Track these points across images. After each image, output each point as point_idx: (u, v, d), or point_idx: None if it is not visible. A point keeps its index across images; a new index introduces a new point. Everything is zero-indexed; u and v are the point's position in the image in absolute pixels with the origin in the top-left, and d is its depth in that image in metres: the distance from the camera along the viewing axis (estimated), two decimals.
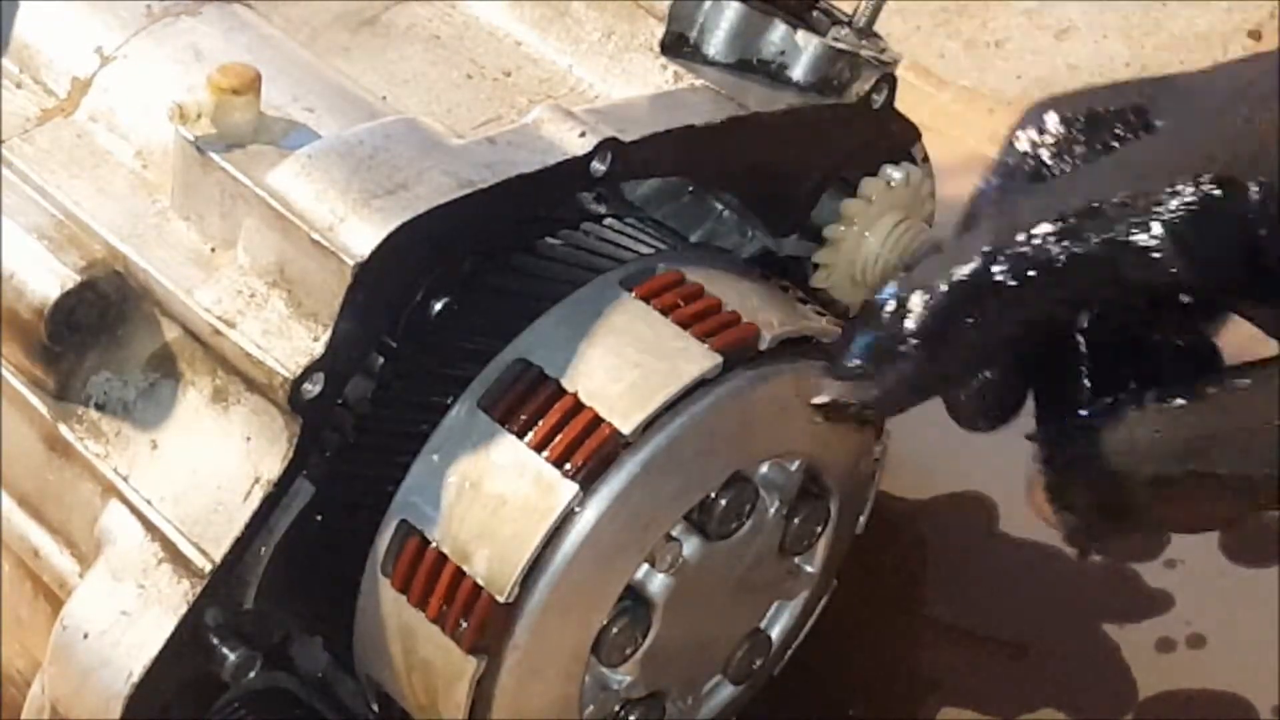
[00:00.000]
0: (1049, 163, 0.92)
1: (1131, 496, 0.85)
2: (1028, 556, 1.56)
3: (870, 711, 1.48)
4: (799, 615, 1.31)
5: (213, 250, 1.13)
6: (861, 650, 1.50)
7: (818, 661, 1.38)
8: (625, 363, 1.11)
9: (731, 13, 1.28)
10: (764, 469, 1.19)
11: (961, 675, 1.50)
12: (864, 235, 1.32)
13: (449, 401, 1.12)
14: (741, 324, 1.14)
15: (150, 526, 1.11)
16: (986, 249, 0.85)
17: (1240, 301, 0.87)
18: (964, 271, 0.85)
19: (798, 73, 1.29)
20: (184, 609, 1.09)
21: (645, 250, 1.19)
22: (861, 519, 1.32)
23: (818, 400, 0.91)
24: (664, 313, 1.13)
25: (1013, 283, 0.84)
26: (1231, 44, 1.99)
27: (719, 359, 1.11)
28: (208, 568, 1.09)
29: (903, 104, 1.34)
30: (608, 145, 1.14)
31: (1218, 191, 0.80)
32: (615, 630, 1.15)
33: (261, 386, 1.10)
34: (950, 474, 1.61)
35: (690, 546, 1.17)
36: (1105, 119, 0.91)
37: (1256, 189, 0.79)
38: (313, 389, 1.08)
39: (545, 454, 1.08)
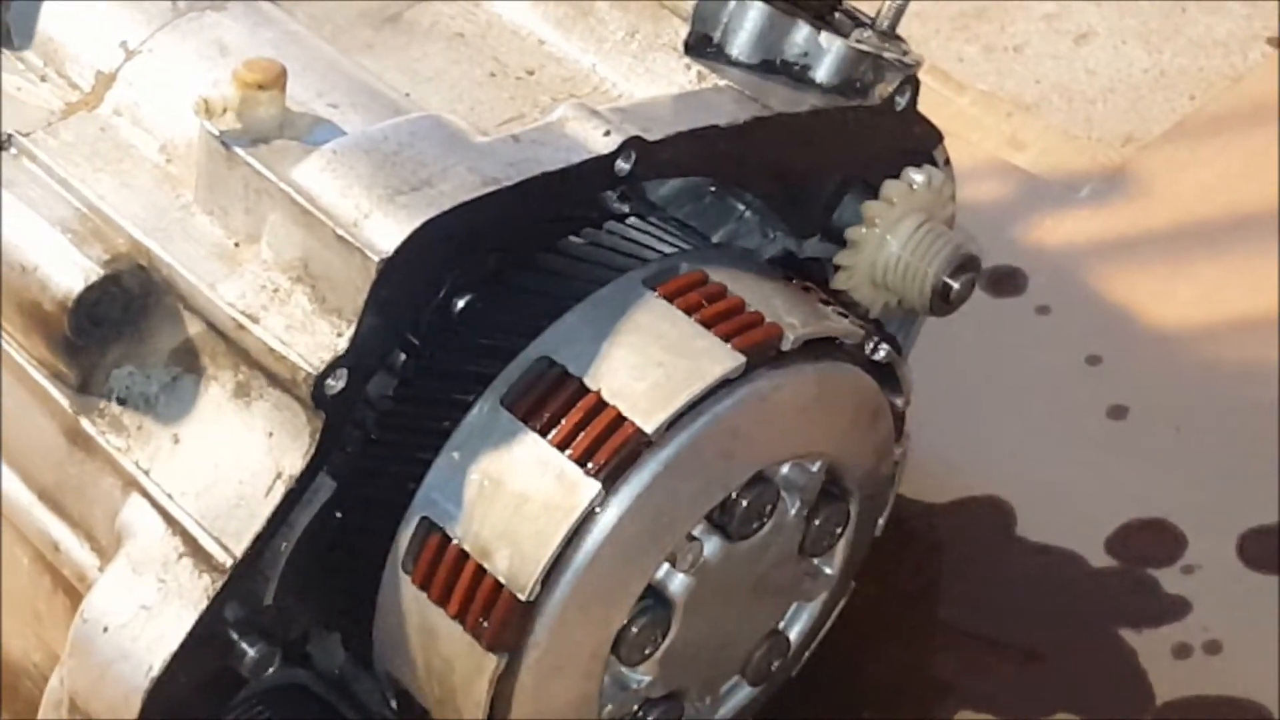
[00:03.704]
0: None
1: None
2: (1045, 561, 1.55)
3: (885, 714, 1.48)
4: (817, 617, 1.31)
5: (236, 245, 1.13)
6: (877, 653, 1.50)
7: (834, 663, 1.37)
8: (648, 362, 1.10)
9: (755, 14, 1.28)
10: (785, 469, 1.19)
11: (977, 679, 1.50)
12: (885, 237, 1.32)
13: (471, 399, 1.12)
14: (764, 324, 1.14)
15: (171, 521, 1.11)
16: None
17: None
18: None
19: (821, 74, 1.29)
20: (204, 604, 1.09)
21: (668, 250, 1.19)
22: (880, 521, 1.32)
23: None
24: (687, 312, 1.13)
25: None
26: (1251, 50, 1.99)
27: (742, 359, 1.11)
28: (229, 563, 1.09)
29: (921, 107, 1.34)
30: (632, 144, 1.14)
31: None
32: (635, 629, 1.15)
33: (284, 382, 1.10)
34: (968, 477, 1.61)
35: (711, 546, 1.17)
36: None
37: None
38: (336, 385, 1.08)
39: (568, 452, 1.08)
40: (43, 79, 1.25)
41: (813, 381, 1.17)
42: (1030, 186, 1.87)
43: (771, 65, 1.29)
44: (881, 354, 1.22)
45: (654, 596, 1.16)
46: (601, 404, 1.09)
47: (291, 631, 1.18)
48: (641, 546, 1.12)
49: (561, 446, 1.09)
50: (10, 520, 1.21)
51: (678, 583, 1.16)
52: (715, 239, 1.31)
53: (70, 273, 1.12)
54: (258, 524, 1.09)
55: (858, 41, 1.29)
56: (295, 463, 1.10)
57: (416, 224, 1.07)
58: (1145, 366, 1.70)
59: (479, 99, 1.24)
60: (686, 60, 1.26)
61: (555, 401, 1.10)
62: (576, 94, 1.24)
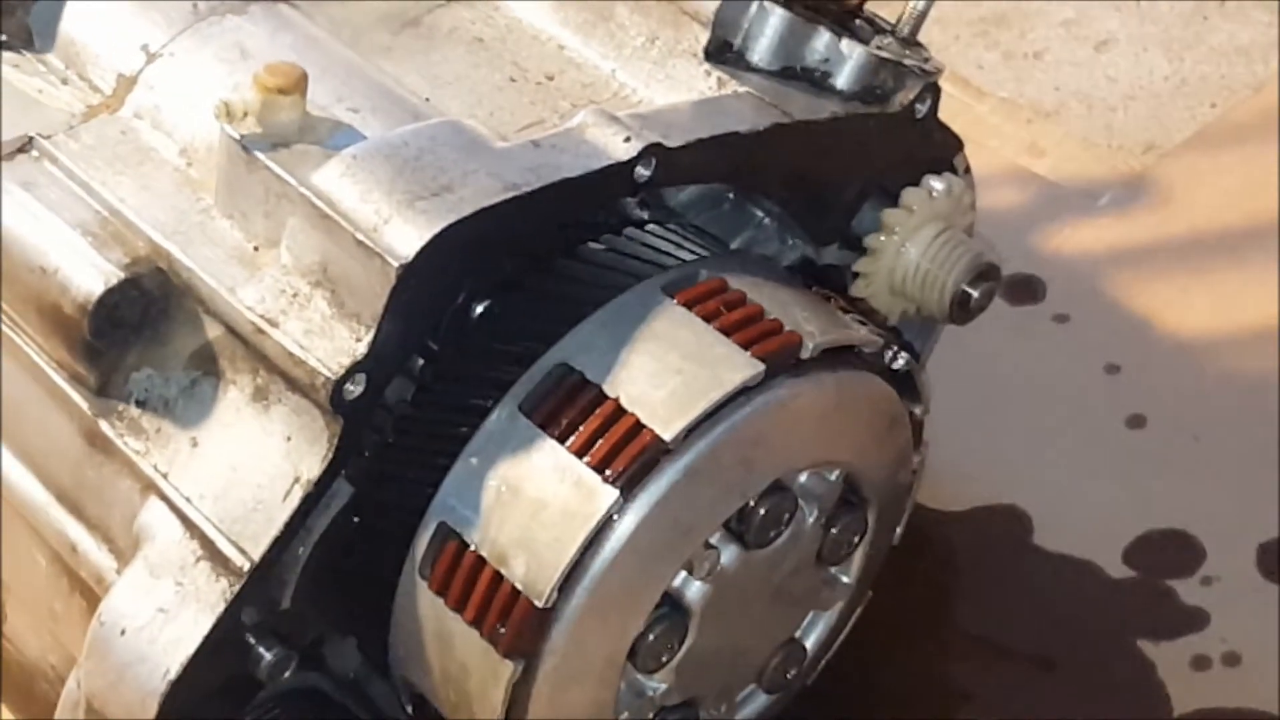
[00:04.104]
0: None
1: None
2: (1062, 570, 1.55)
3: None
4: (834, 625, 1.31)
5: (256, 249, 1.13)
6: (893, 661, 1.50)
7: (850, 671, 1.37)
8: (667, 369, 1.10)
9: (776, 20, 1.28)
10: (803, 478, 1.19)
11: (992, 689, 1.50)
12: (904, 245, 1.32)
13: (489, 405, 1.12)
14: (783, 332, 1.14)
15: (189, 524, 1.11)
16: None
17: None
18: None
19: (841, 81, 1.29)
20: (221, 607, 1.09)
21: (688, 256, 1.19)
22: (898, 530, 1.32)
23: None
24: (706, 320, 1.13)
25: None
26: (1271, 58, 1.98)
27: (761, 367, 1.11)
28: (246, 566, 1.09)
29: (941, 114, 1.34)
30: (652, 151, 1.14)
31: None
32: (652, 637, 1.15)
33: (303, 386, 1.10)
34: (986, 486, 1.60)
35: (728, 554, 1.16)
36: None
37: None
38: (354, 389, 1.08)
39: (586, 459, 1.08)
40: (64, 81, 1.25)
41: (831, 390, 1.17)
42: (1050, 194, 1.86)
43: (792, 72, 1.29)
44: (900, 362, 1.22)
45: (671, 604, 1.16)
46: (620, 411, 1.09)
47: (308, 635, 1.18)
48: (659, 554, 1.11)
49: (579, 453, 1.09)
50: (29, 521, 1.22)
51: (695, 590, 1.16)
52: (734, 246, 1.31)
53: (90, 275, 1.12)
54: (275, 528, 1.09)
55: (878, 48, 1.29)
56: (313, 467, 1.10)
57: (436, 229, 1.07)
58: (1164, 376, 1.70)
59: (499, 104, 1.24)
60: (706, 66, 1.26)
61: (573, 408, 1.10)
62: (596, 100, 1.24)
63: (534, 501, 1.09)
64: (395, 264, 1.06)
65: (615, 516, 1.08)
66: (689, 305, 1.14)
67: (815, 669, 1.33)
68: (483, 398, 1.12)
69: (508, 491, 1.09)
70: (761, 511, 1.16)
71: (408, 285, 1.07)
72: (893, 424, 1.24)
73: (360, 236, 1.07)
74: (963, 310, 1.33)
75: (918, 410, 1.26)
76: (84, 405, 1.15)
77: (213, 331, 1.13)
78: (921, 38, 1.31)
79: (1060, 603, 1.54)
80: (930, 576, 1.55)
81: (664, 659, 1.17)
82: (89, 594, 1.19)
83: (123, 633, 1.11)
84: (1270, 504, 1.58)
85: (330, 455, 1.09)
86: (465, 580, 1.10)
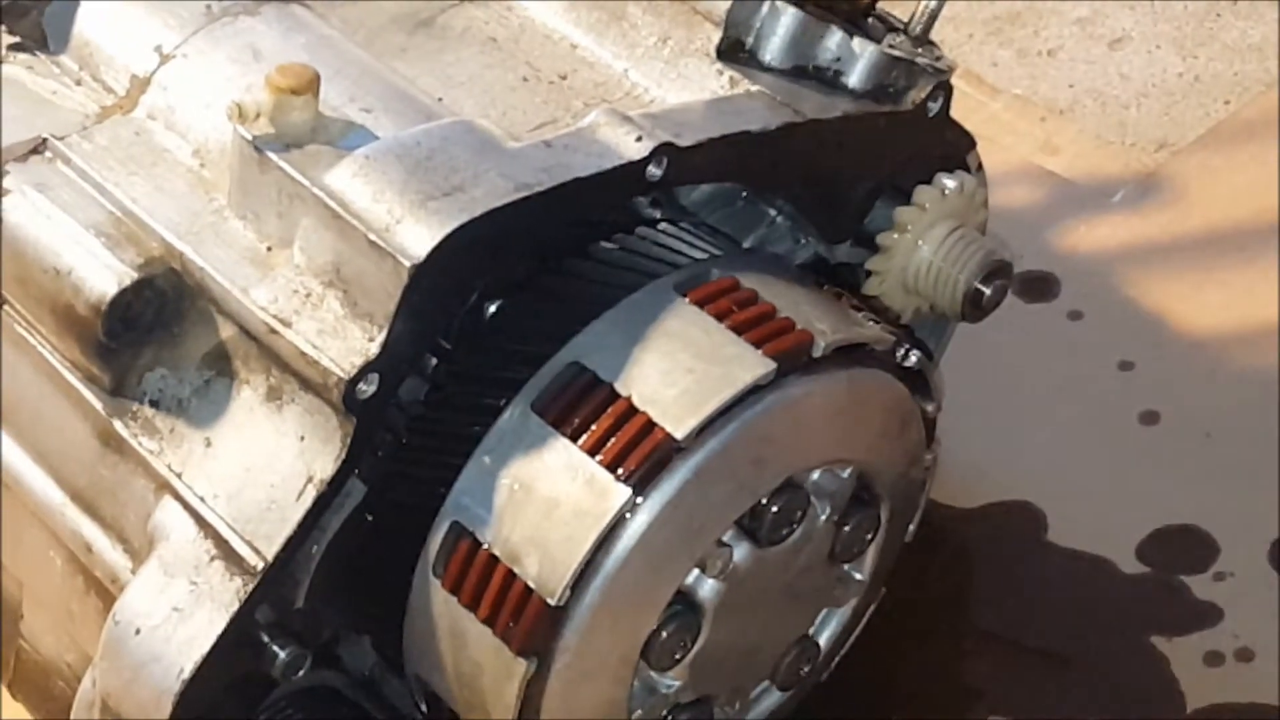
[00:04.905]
0: None
1: None
2: (1075, 567, 1.55)
3: (915, 718, 1.48)
4: (847, 622, 1.31)
5: (269, 249, 1.14)
6: (907, 658, 1.50)
7: (863, 668, 1.37)
8: (679, 368, 1.11)
9: (788, 19, 1.28)
10: (815, 475, 1.19)
11: (1006, 685, 1.50)
12: (917, 243, 1.32)
13: (502, 404, 1.12)
14: (795, 331, 1.14)
15: (203, 523, 1.12)
16: None
17: None
18: None
19: (853, 80, 1.29)
20: (236, 606, 1.10)
21: (700, 255, 1.19)
22: (911, 527, 1.32)
23: None
24: (718, 318, 1.13)
25: None
26: None
27: (773, 365, 1.11)
28: (260, 565, 1.10)
29: (955, 112, 1.34)
30: (664, 150, 1.15)
31: None
32: (665, 635, 1.15)
33: (316, 386, 1.10)
34: (999, 483, 1.60)
35: (741, 552, 1.17)
36: None
37: None
38: (367, 389, 1.09)
39: (598, 458, 1.09)
40: (78, 83, 1.25)
41: (843, 388, 1.17)
42: (1063, 191, 1.86)
43: (804, 71, 1.29)
44: (912, 360, 1.22)
45: (683, 602, 1.16)
46: (632, 410, 1.09)
47: (322, 634, 1.19)
48: (671, 552, 1.12)
49: (592, 452, 1.09)
50: (44, 521, 1.22)
51: (707, 588, 1.16)
52: (746, 244, 1.31)
53: (104, 276, 1.13)
54: (289, 527, 1.10)
55: (890, 47, 1.29)
56: (326, 467, 1.10)
57: (448, 229, 1.07)
58: (1177, 372, 1.70)
59: (511, 104, 1.25)
60: (719, 65, 1.26)
61: (586, 407, 1.10)
62: (609, 99, 1.24)
63: (546, 500, 1.09)
64: (407, 264, 1.07)
65: (627, 515, 1.08)
66: (701, 304, 1.14)
67: (829, 666, 1.33)
68: (495, 397, 1.12)
69: (520, 490, 1.10)
70: (773, 509, 1.16)
71: (420, 285, 1.07)
72: (905, 422, 1.24)
73: (373, 236, 1.08)
74: (975, 308, 1.33)
75: (930, 408, 1.26)
76: (98, 405, 1.16)
77: (226, 332, 1.14)
78: (935, 36, 1.31)
79: (1074, 599, 1.54)
80: (944, 573, 1.55)
81: (677, 656, 1.17)
82: (104, 593, 1.19)
83: (137, 632, 1.11)
84: None
85: (343, 455, 1.10)
86: (478, 579, 1.10)
